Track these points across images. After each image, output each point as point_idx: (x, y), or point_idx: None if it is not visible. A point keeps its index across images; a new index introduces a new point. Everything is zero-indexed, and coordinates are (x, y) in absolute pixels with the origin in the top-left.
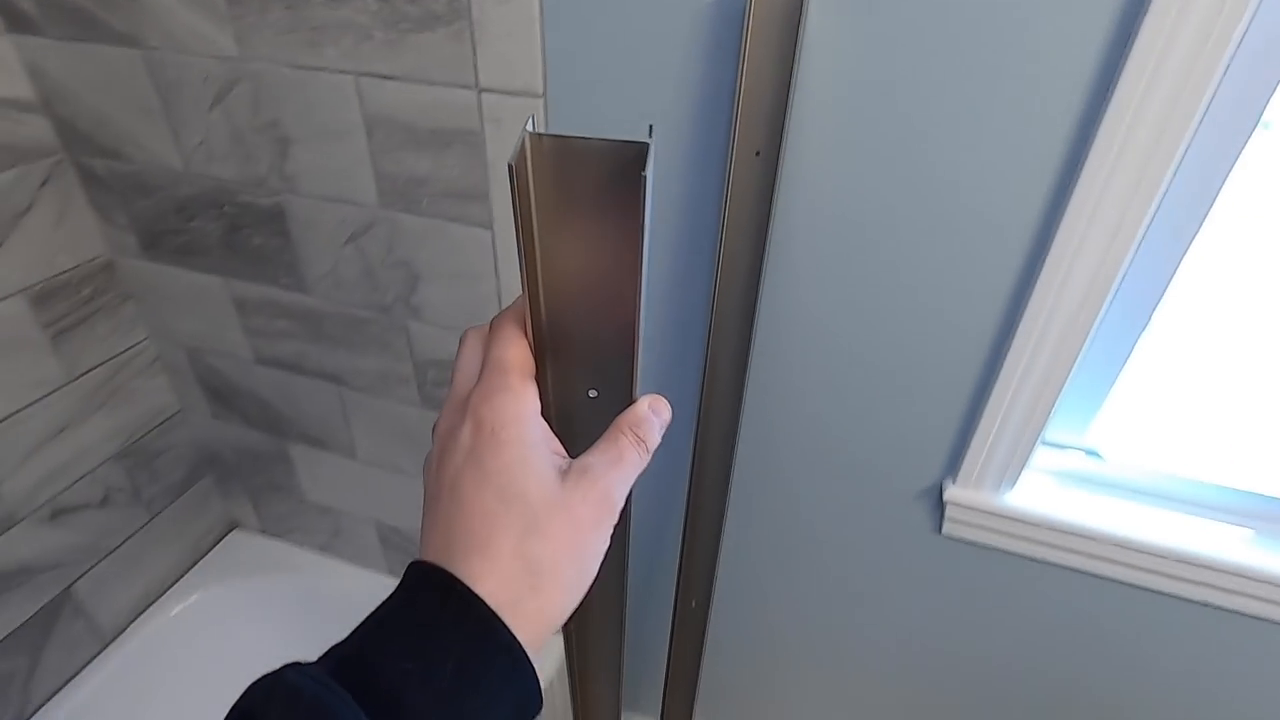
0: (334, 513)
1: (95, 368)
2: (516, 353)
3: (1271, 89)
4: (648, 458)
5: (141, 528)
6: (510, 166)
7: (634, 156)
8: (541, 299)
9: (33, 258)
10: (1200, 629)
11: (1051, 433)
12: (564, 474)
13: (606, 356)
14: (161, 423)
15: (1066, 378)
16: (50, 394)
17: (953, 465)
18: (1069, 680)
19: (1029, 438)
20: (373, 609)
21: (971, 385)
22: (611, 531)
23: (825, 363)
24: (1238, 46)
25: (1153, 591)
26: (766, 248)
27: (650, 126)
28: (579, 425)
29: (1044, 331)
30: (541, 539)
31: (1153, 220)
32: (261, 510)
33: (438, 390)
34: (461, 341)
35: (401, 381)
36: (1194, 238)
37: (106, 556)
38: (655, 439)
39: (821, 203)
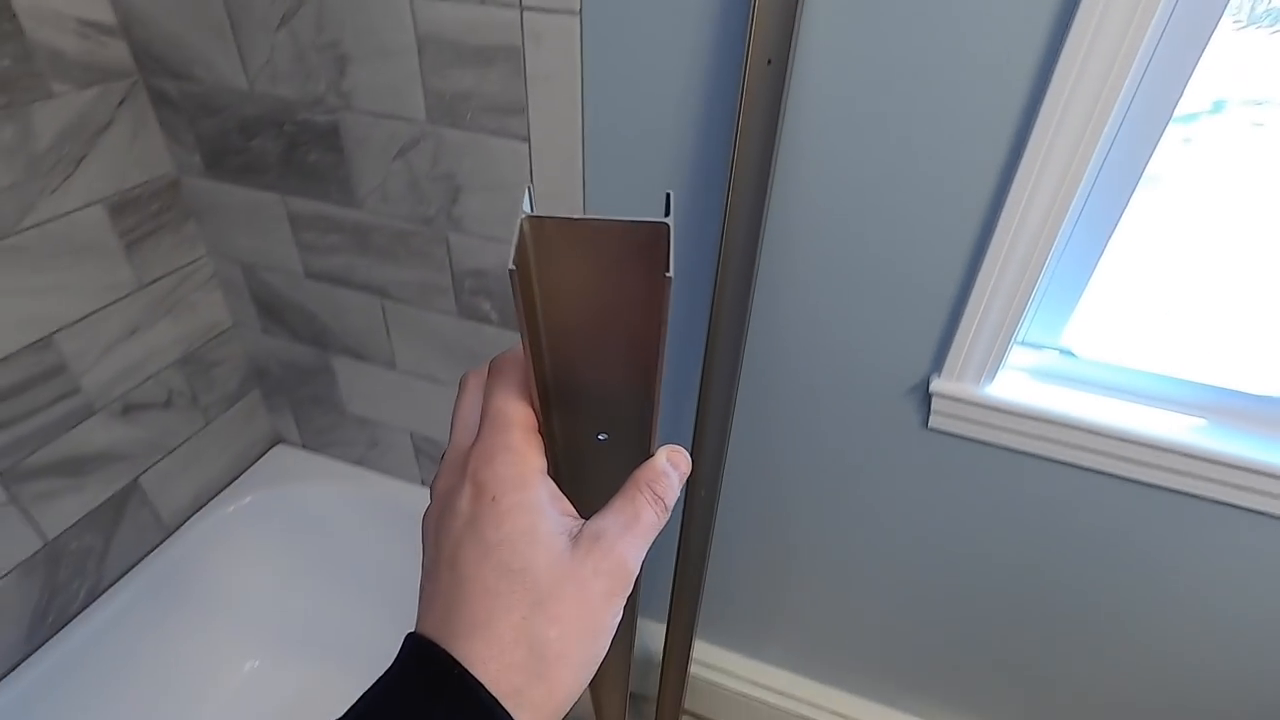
0: (371, 424)
1: (161, 278)
2: (517, 404)
3: None
4: (666, 517)
5: (198, 432)
6: (511, 273)
7: (652, 238)
8: (545, 357)
9: (110, 171)
10: (1158, 512)
11: (1028, 334)
12: (574, 540)
13: (620, 405)
14: (217, 335)
15: (1038, 278)
16: (123, 298)
17: (938, 361)
18: (1039, 566)
19: (1006, 334)
20: (365, 692)
21: (956, 285)
22: (625, 602)
23: (828, 263)
24: None
25: (1115, 477)
26: (776, 150)
27: (668, 196)
28: (588, 470)
29: (1016, 236)
30: (548, 619)
31: (1116, 134)
32: (303, 424)
33: (474, 300)
34: (461, 386)
35: (440, 292)
36: (1151, 155)
37: (168, 455)
38: (674, 496)
39: (828, 108)
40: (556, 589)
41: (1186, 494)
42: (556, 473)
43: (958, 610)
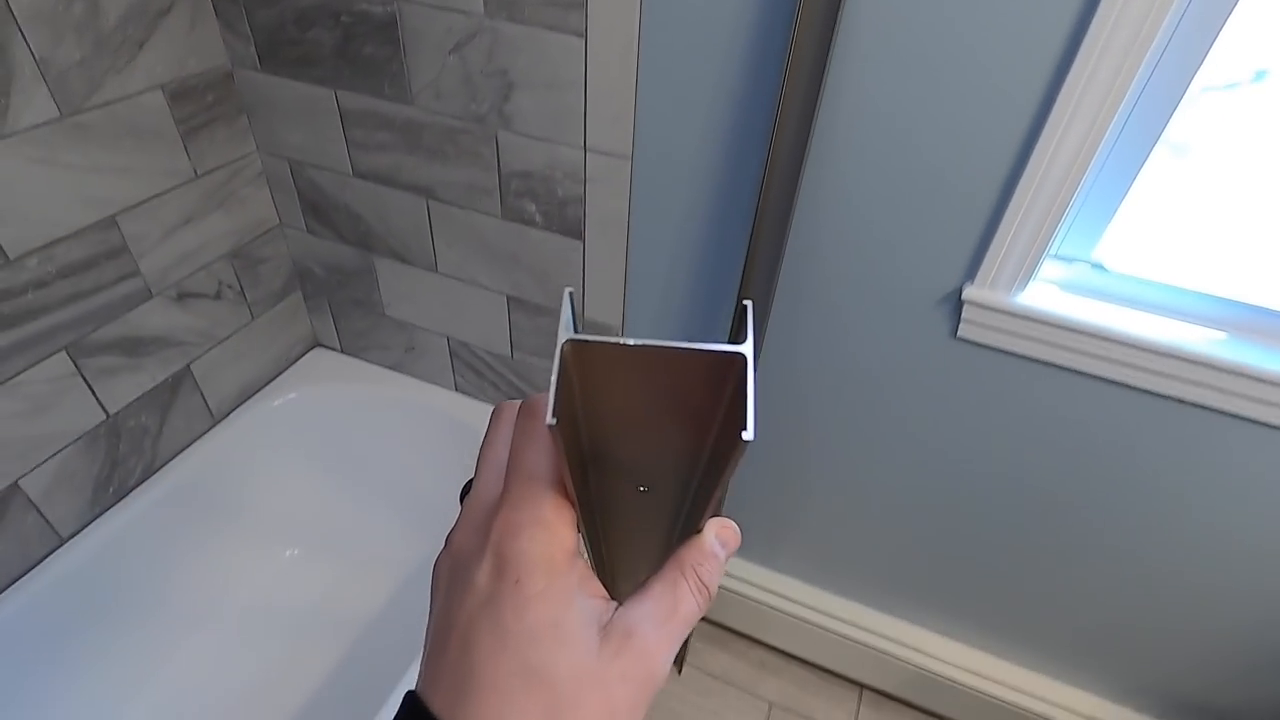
0: (410, 328)
1: (214, 170)
2: (550, 462)
3: None
4: (708, 607)
5: (244, 326)
6: (550, 429)
7: (723, 369)
8: (585, 447)
9: (170, 57)
10: (1177, 425)
11: (1061, 247)
12: (603, 634)
13: (668, 469)
14: (264, 233)
15: (1077, 189)
16: (179, 186)
17: (972, 270)
18: (1055, 479)
19: (1040, 244)
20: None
21: (996, 193)
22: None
23: (874, 165)
24: None
25: (1137, 389)
26: (833, 44)
27: (744, 308)
28: (623, 522)
29: (1059, 146)
30: None
31: (1165, 48)
32: (342, 327)
33: (519, 202)
34: (494, 417)
35: (486, 194)
36: (1198, 71)
37: (217, 345)
38: (718, 580)
39: (886, 5)
40: (578, 696)
41: (1206, 407)
42: (589, 523)
43: (968, 524)
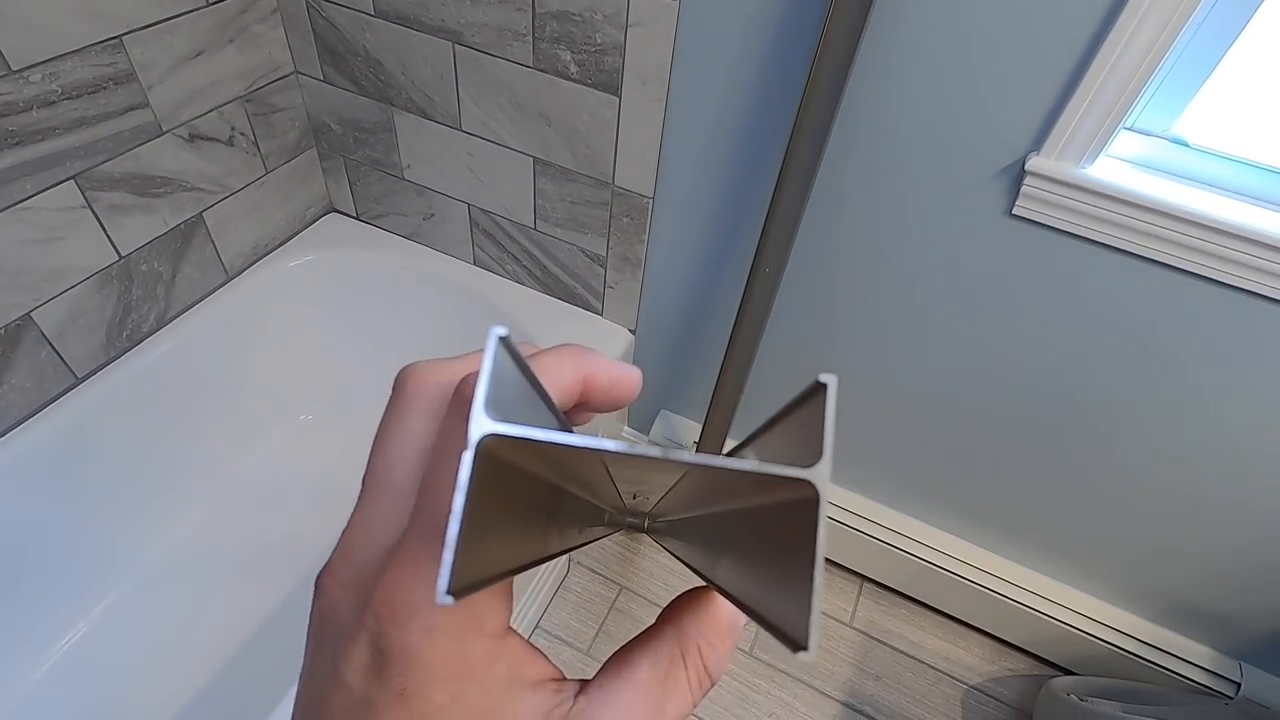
0: (429, 194)
1: None
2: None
3: None
4: (701, 700)
5: (258, 179)
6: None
7: (799, 508)
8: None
9: None
10: (1251, 321)
11: (1140, 119)
12: None
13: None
14: (279, 79)
15: (1167, 53)
16: (191, 11)
17: (1039, 140)
18: (1096, 373)
19: (1119, 112)
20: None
21: (1077, 53)
22: None
23: (945, 17)
24: None
25: (1207, 279)
26: None
27: (823, 389)
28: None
29: (1151, 5)
30: None
31: None
32: (359, 191)
33: (553, 49)
34: (404, 391)
35: (518, 38)
36: None
37: (230, 196)
38: (726, 667)
39: None
40: None
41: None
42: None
43: (988, 420)
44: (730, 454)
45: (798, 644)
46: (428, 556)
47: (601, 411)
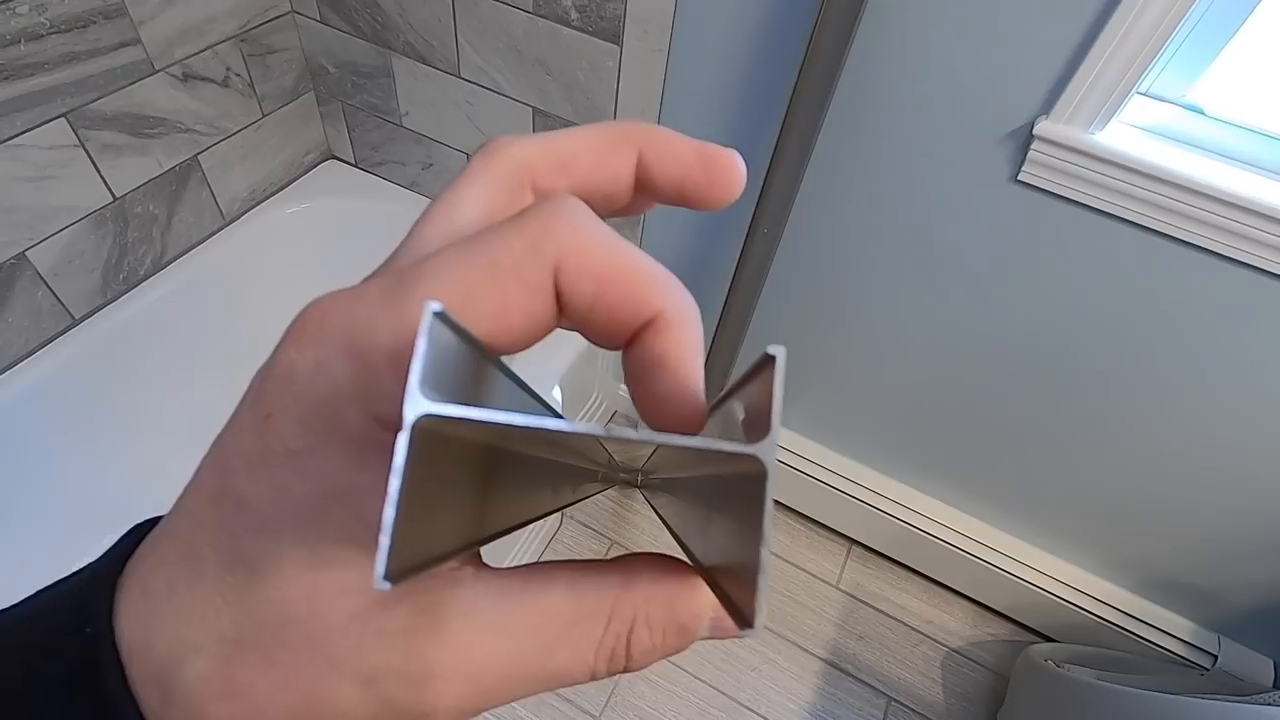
0: (428, 143)
1: None
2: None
3: None
4: (594, 682)
5: (254, 123)
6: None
7: (749, 482)
8: None
9: None
10: (1255, 297)
11: (1154, 84)
12: (414, 599)
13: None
14: (274, 19)
15: (1185, 14)
16: None
17: (1049, 103)
18: (1092, 346)
19: (1132, 77)
20: None
21: (1092, 13)
22: None
23: None
24: None
25: (1213, 254)
26: None
27: (772, 362)
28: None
29: None
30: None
31: None
32: (357, 138)
33: None
34: (484, 157)
35: None
36: None
37: (226, 139)
38: (648, 663)
39: None
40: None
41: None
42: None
43: (981, 389)
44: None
45: (744, 620)
46: (376, 297)
47: (690, 204)
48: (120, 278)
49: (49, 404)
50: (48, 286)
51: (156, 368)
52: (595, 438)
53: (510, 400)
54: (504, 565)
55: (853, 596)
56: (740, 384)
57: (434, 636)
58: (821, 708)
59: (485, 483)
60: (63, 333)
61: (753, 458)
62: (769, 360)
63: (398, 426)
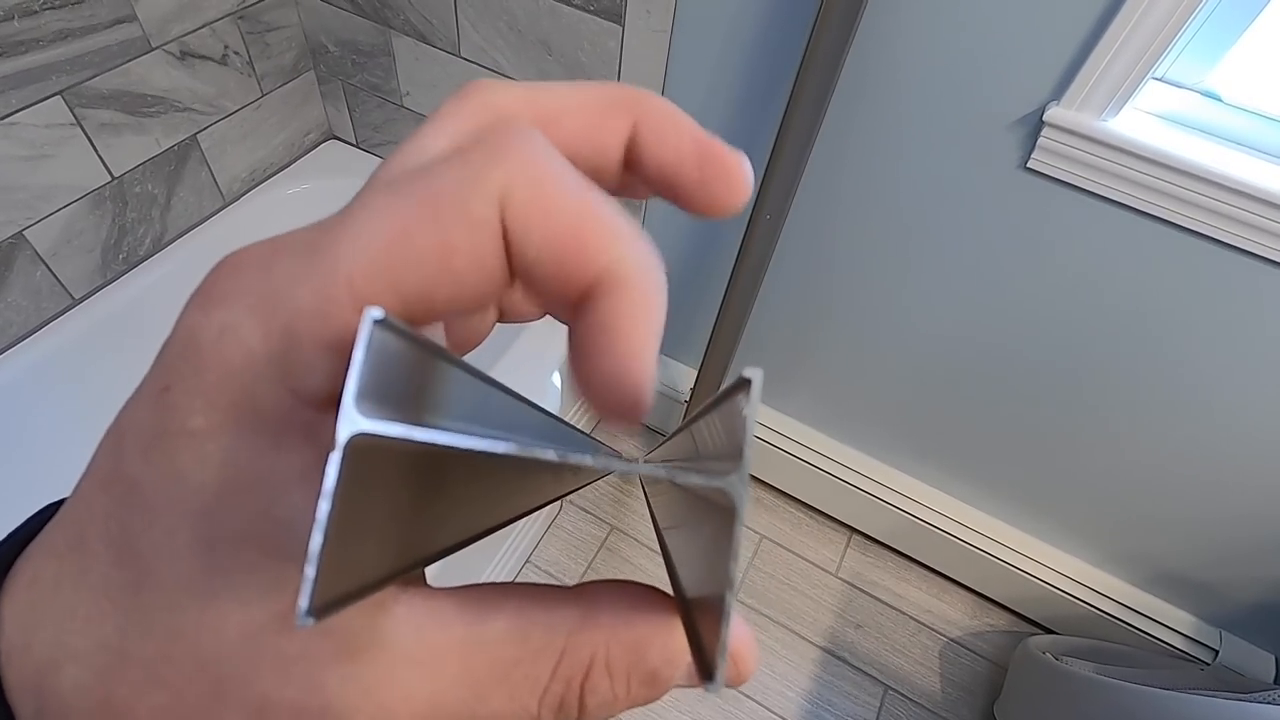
0: None
1: None
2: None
3: None
4: None
5: (254, 102)
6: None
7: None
8: None
9: None
10: (1273, 291)
11: (1170, 69)
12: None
13: None
14: None
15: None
16: None
17: (1060, 89)
18: (1099, 338)
19: (1148, 61)
20: None
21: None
22: None
23: None
24: None
25: (1229, 246)
26: None
27: (747, 385)
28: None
29: None
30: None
31: None
32: (358, 117)
33: None
34: (441, 110)
35: None
36: None
37: (225, 118)
38: (602, 716)
39: None
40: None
41: None
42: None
43: (984, 379)
44: (673, 434)
45: (704, 669)
46: (299, 246)
47: (678, 203)
48: (120, 258)
49: (49, 384)
50: (46, 266)
51: (157, 348)
52: (549, 462)
53: (472, 404)
54: (491, 564)
55: (852, 585)
56: (716, 402)
57: (339, 667)
58: (819, 695)
59: (437, 490)
60: (62, 313)
61: (720, 491)
62: (745, 384)
63: (319, 406)
